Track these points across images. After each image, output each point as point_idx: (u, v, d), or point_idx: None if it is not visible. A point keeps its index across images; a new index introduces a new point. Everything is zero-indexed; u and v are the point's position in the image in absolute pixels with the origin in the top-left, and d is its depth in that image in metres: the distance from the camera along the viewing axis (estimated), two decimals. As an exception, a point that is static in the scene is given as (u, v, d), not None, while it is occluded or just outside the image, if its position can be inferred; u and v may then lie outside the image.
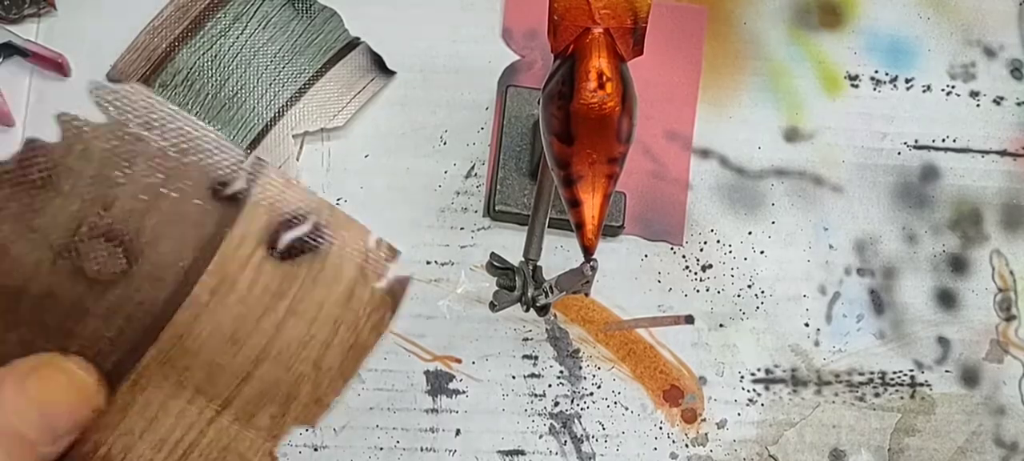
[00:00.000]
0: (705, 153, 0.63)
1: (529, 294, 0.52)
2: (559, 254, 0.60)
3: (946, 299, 0.62)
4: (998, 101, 0.65)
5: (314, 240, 0.27)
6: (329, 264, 0.27)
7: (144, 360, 0.26)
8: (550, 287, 0.49)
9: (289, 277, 0.27)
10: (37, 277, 0.25)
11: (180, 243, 0.26)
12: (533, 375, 0.60)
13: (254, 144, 0.61)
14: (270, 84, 0.62)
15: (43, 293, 0.25)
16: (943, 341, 0.62)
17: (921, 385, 0.61)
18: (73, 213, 0.25)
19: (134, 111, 0.26)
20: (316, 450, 0.58)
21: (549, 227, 0.53)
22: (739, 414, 0.60)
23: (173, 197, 0.26)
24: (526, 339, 0.60)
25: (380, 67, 0.63)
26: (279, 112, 0.62)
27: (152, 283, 0.26)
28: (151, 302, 0.26)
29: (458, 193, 0.62)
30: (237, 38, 0.63)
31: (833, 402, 0.60)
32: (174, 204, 0.26)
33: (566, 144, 0.40)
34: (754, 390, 0.60)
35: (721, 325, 0.61)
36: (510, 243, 0.60)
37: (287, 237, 0.26)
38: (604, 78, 0.39)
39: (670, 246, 0.61)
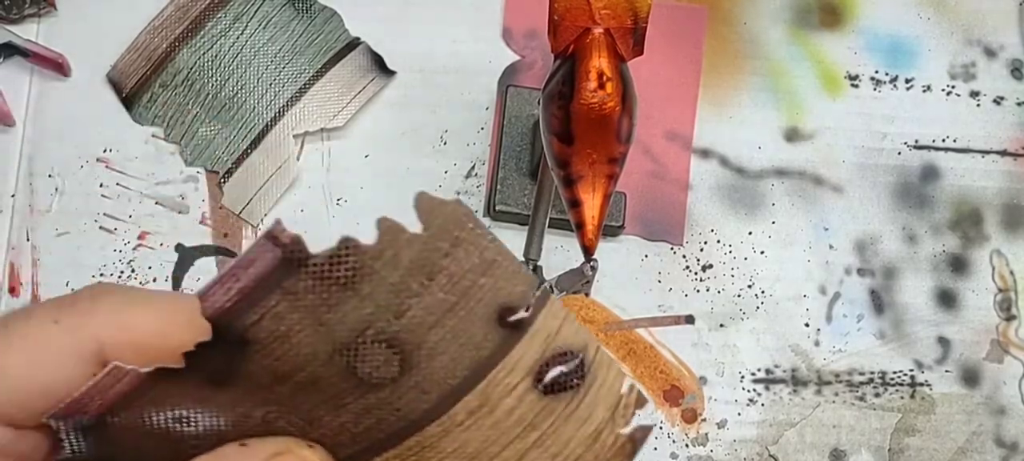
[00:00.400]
0: (705, 153, 0.63)
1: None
2: (559, 254, 0.60)
3: (946, 299, 0.62)
4: (998, 101, 0.65)
5: (577, 378, 0.27)
6: (585, 403, 0.27)
7: (384, 456, 0.27)
8: (550, 287, 0.49)
9: (546, 411, 0.27)
10: (308, 367, 0.25)
11: (456, 361, 0.26)
12: (533, 375, 0.60)
13: (254, 144, 0.62)
14: (270, 84, 0.62)
15: (307, 381, 0.26)
16: (943, 341, 0.62)
17: (921, 385, 0.61)
18: (365, 316, 0.25)
19: (449, 226, 0.26)
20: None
21: (549, 227, 0.53)
22: (739, 414, 0.60)
23: (461, 315, 0.26)
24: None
25: (380, 67, 0.63)
26: (279, 112, 0.62)
27: (417, 394, 0.26)
28: (409, 411, 0.26)
29: (458, 193, 0.62)
30: (237, 38, 0.63)
31: (833, 402, 0.60)
32: (461, 323, 0.26)
33: (566, 144, 0.40)
34: (754, 390, 0.60)
35: (721, 325, 0.61)
36: (510, 243, 0.59)
37: (554, 372, 0.27)
38: (604, 78, 0.39)
39: (670, 246, 0.61)
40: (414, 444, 0.26)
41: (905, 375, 0.61)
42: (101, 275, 0.60)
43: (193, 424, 0.26)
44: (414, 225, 0.24)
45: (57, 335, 0.25)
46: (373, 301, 0.25)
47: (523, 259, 0.52)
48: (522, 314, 0.26)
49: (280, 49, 0.63)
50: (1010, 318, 0.63)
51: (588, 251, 0.42)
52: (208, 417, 0.26)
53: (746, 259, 0.62)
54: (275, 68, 0.63)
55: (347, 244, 0.25)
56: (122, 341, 0.26)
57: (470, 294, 0.26)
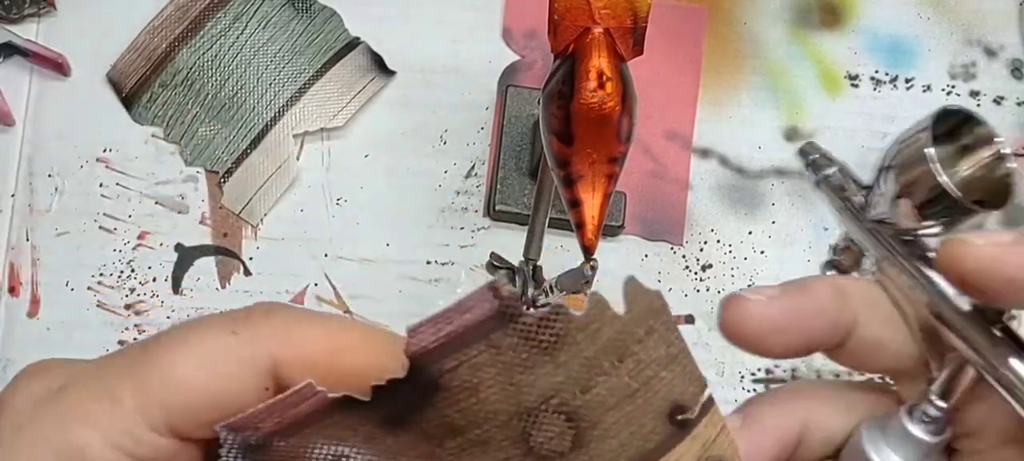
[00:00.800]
0: (705, 153, 0.63)
1: (529, 294, 0.52)
2: (559, 254, 0.60)
3: (946, 299, 0.62)
4: (998, 101, 0.65)
5: None
6: None
7: None
8: (550, 287, 0.49)
9: None
10: (485, 425, 0.26)
11: (623, 448, 0.26)
12: (533, 375, 0.60)
13: (254, 144, 0.62)
14: (270, 84, 0.62)
15: (478, 441, 0.26)
16: (943, 341, 0.62)
17: (921, 385, 0.61)
18: (554, 384, 0.25)
19: (647, 314, 0.26)
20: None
21: (549, 227, 0.53)
22: (739, 414, 0.60)
23: (638, 403, 0.26)
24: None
25: (380, 67, 0.63)
26: (279, 112, 0.62)
27: None
28: None
29: (458, 193, 0.62)
30: (237, 38, 0.63)
31: (833, 402, 0.60)
32: (636, 410, 0.26)
33: (566, 144, 0.40)
34: (755, 390, 0.60)
35: (721, 325, 0.61)
36: (510, 243, 0.60)
37: None
38: (604, 78, 0.39)
39: (670, 246, 0.61)
40: None
41: (905, 375, 0.61)
42: (101, 275, 0.60)
43: None
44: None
45: (235, 346, 0.25)
46: (566, 371, 0.25)
47: (523, 258, 0.52)
48: (691, 414, 0.27)
49: (280, 49, 0.63)
50: (1010, 318, 0.62)
51: (588, 251, 0.42)
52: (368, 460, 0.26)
53: (746, 259, 0.62)
54: (275, 68, 0.63)
55: (559, 311, 0.25)
56: (295, 358, 0.26)
57: (651, 385, 0.26)
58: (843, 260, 0.47)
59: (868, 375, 0.31)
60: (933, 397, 0.27)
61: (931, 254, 0.29)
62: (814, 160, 0.43)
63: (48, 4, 0.62)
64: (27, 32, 0.62)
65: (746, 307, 0.28)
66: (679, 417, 0.27)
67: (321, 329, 0.26)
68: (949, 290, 0.28)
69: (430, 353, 0.25)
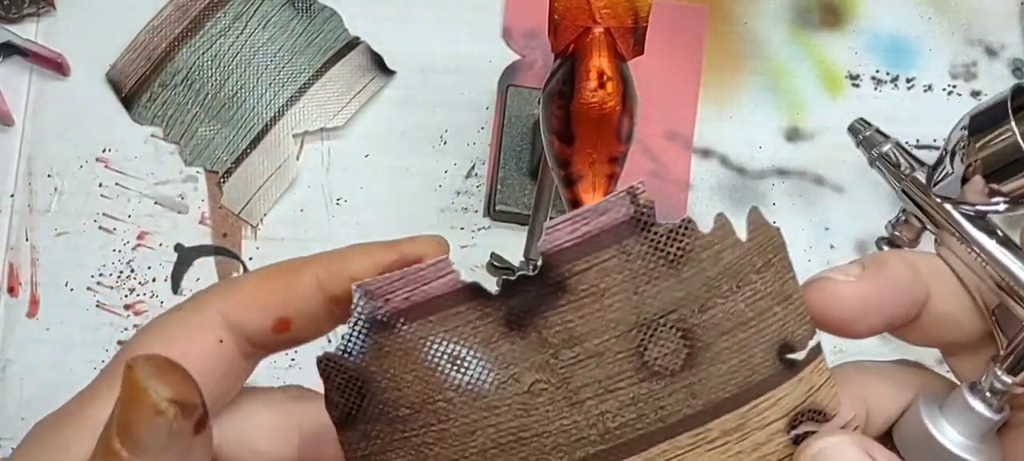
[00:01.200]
0: (706, 153, 0.63)
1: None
2: (559, 254, 0.60)
3: (947, 299, 0.62)
4: (999, 101, 0.65)
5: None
6: None
7: None
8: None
9: (785, 459, 0.27)
10: (605, 335, 0.26)
11: (732, 375, 0.26)
12: (533, 375, 0.60)
13: (254, 144, 0.61)
14: (270, 84, 0.62)
15: (594, 352, 0.26)
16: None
17: (922, 385, 0.61)
18: (675, 298, 0.26)
19: (767, 247, 0.27)
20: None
21: (549, 227, 0.52)
22: (740, 414, 0.60)
23: (751, 332, 0.26)
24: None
25: (380, 67, 0.63)
26: (279, 111, 0.62)
27: (686, 396, 0.26)
28: (670, 412, 0.26)
29: (458, 193, 0.62)
30: (237, 38, 0.63)
31: (834, 402, 0.60)
32: (748, 339, 0.26)
33: (566, 144, 0.40)
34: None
35: (722, 325, 0.61)
36: (510, 243, 0.60)
37: (805, 426, 0.27)
38: (604, 77, 0.39)
39: (671, 246, 0.61)
40: (659, 454, 0.26)
41: (906, 375, 0.61)
42: (100, 275, 0.60)
43: (462, 372, 0.26)
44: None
45: (184, 315, 0.28)
46: (687, 287, 0.26)
47: (523, 259, 0.52)
48: (799, 355, 0.27)
49: (280, 49, 0.63)
50: (1011, 318, 0.62)
51: (588, 251, 0.42)
52: (479, 367, 0.26)
53: (747, 259, 0.62)
54: (275, 68, 0.62)
55: (688, 224, 0.26)
56: (239, 302, 0.28)
57: (764, 317, 0.27)
58: (903, 235, 0.47)
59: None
60: (999, 371, 0.28)
61: (999, 231, 0.30)
62: (867, 137, 0.43)
63: (47, 4, 0.62)
64: (26, 32, 0.62)
65: (834, 288, 0.28)
66: (788, 356, 0.27)
67: (257, 273, 0.29)
68: (1019, 266, 0.28)
69: (563, 252, 0.25)
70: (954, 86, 0.65)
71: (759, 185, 0.63)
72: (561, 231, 0.25)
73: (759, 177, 0.63)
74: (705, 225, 0.26)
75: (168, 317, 0.29)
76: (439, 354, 0.26)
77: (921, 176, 0.38)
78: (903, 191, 0.37)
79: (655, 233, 0.26)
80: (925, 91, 0.65)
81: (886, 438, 0.30)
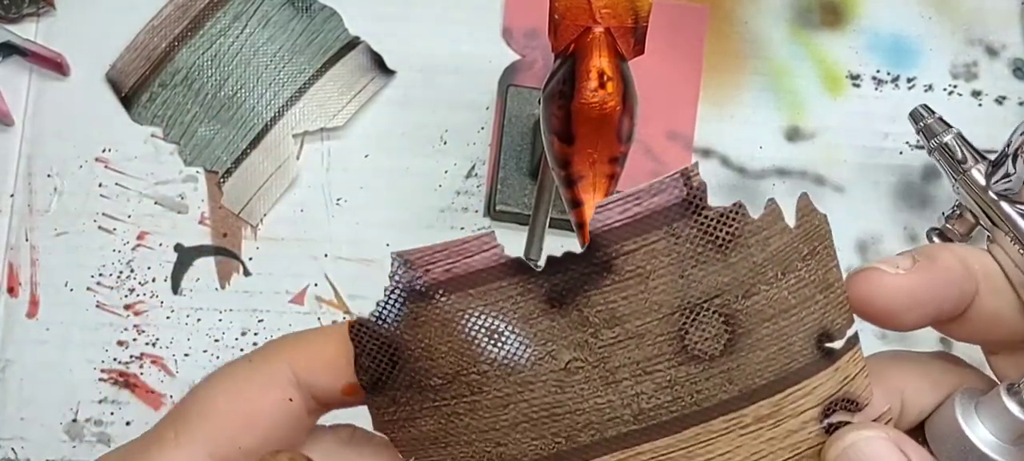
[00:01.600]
0: (706, 153, 0.63)
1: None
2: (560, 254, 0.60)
3: (948, 299, 0.62)
4: (1000, 101, 0.65)
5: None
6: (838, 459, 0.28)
7: (655, 444, 0.26)
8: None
9: (817, 448, 0.27)
10: (647, 317, 0.26)
11: (770, 362, 0.26)
12: (534, 376, 0.60)
13: (254, 144, 0.61)
14: (270, 83, 0.62)
15: (634, 333, 0.26)
16: (945, 341, 0.62)
17: (923, 386, 0.61)
18: (721, 283, 0.26)
19: (813, 235, 0.27)
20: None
21: (549, 227, 0.52)
22: (740, 415, 0.60)
23: (792, 320, 0.26)
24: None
25: (380, 67, 0.63)
26: (279, 111, 0.62)
27: (723, 381, 0.26)
28: (707, 397, 0.26)
29: (458, 193, 0.62)
30: (237, 37, 0.63)
31: (835, 403, 0.60)
32: (789, 327, 0.26)
33: (567, 144, 0.40)
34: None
35: (722, 325, 0.61)
36: (510, 243, 0.59)
37: (838, 416, 0.27)
38: (605, 77, 0.39)
39: (671, 246, 0.61)
40: (691, 437, 0.26)
41: (907, 376, 0.61)
42: (100, 275, 0.60)
43: (499, 346, 0.26)
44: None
45: (252, 369, 0.28)
46: (733, 272, 0.26)
47: (524, 258, 0.52)
48: (837, 344, 0.27)
49: (280, 48, 0.63)
50: None
51: (589, 251, 0.42)
52: (517, 343, 0.26)
53: (747, 259, 0.62)
54: (275, 67, 0.62)
55: (739, 209, 0.25)
56: (311, 359, 0.27)
57: (806, 305, 0.26)
58: (955, 228, 0.46)
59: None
60: None
61: None
62: (928, 125, 0.43)
63: (47, 4, 0.62)
64: (26, 32, 0.62)
65: (882, 279, 0.27)
66: (826, 345, 0.27)
67: (330, 332, 0.28)
68: None
69: (612, 232, 0.25)
70: (955, 86, 0.65)
71: (759, 185, 0.63)
72: (612, 211, 0.25)
73: (759, 177, 0.63)
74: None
75: (238, 367, 0.28)
76: (477, 327, 0.26)
77: (980, 173, 0.37)
78: (960, 185, 0.37)
79: (706, 216, 0.25)
80: (926, 91, 0.65)
81: (918, 431, 0.29)
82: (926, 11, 0.66)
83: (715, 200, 0.25)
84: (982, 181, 0.42)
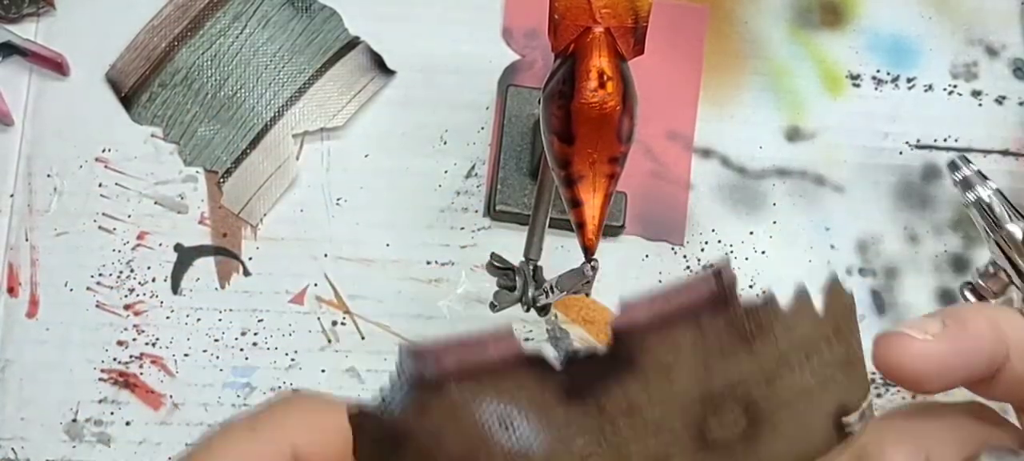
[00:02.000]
0: (706, 153, 0.63)
1: (530, 294, 0.51)
2: (560, 254, 0.60)
3: (948, 299, 0.62)
4: (1000, 100, 0.65)
5: None
6: None
7: None
8: (551, 287, 0.49)
9: None
10: (667, 407, 0.25)
11: (790, 447, 0.26)
12: (534, 376, 0.60)
13: (253, 144, 0.61)
14: (270, 83, 0.62)
15: (652, 423, 0.25)
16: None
17: (923, 386, 0.61)
18: (744, 372, 0.25)
19: (838, 314, 0.26)
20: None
21: (549, 227, 0.52)
22: (740, 415, 0.60)
23: (812, 403, 0.26)
24: (527, 340, 0.60)
25: (380, 67, 0.63)
26: (279, 111, 0.62)
27: None
28: None
29: (458, 193, 0.62)
30: (236, 37, 0.63)
31: (835, 403, 0.60)
32: (809, 410, 0.26)
33: (567, 144, 0.40)
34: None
35: (722, 325, 0.61)
36: (510, 243, 0.60)
37: None
38: (605, 77, 0.39)
39: (671, 246, 0.61)
40: None
41: (907, 376, 0.61)
42: (100, 275, 0.60)
43: (511, 434, 0.25)
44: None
45: (256, 444, 0.27)
46: (758, 362, 0.25)
47: (523, 258, 0.52)
48: (853, 418, 0.26)
49: (279, 48, 0.63)
50: None
51: (589, 251, 0.42)
52: (529, 430, 0.25)
53: (747, 259, 0.62)
54: (274, 67, 0.62)
55: (769, 301, 0.25)
56: (315, 443, 0.27)
57: (826, 385, 0.26)
58: (988, 286, 0.46)
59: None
60: None
61: None
62: (966, 178, 0.42)
63: (47, 4, 0.62)
64: (26, 32, 0.62)
65: (910, 346, 0.27)
66: (844, 419, 0.26)
67: (340, 413, 0.27)
68: None
69: (639, 329, 0.24)
70: (955, 86, 0.65)
71: (759, 185, 0.63)
72: (639, 310, 0.24)
73: (759, 177, 0.63)
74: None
75: (239, 435, 0.27)
76: (489, 415, 0.25)
77: (1018, 231, 0.37)
78: (996, 243, 0.36)
79: (735, 311, 0.25)
80: (926, 91, 0.65)
81: None
82: (926, 11, 0.66)
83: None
84: (1020, 237, 0.42)
